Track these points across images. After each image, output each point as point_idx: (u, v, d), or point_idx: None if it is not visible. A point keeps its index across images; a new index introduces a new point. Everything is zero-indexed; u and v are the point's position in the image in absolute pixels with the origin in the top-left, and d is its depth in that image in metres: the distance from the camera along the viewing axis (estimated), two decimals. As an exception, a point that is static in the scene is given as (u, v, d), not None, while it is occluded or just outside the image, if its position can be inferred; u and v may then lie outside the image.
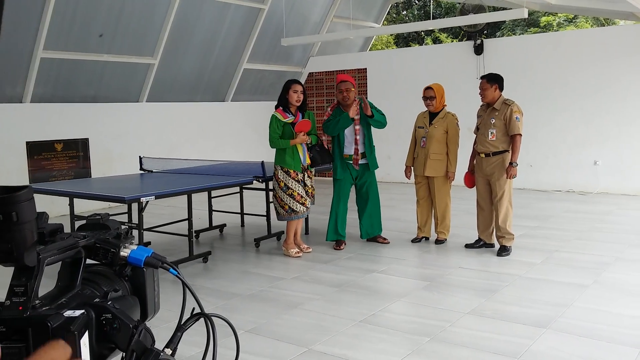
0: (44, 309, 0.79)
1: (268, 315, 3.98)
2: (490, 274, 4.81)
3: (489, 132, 5.30)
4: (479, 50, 9.78)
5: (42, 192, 5.33)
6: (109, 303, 0.86)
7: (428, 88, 5.69)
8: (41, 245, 0.82)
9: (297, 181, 5.39)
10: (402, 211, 7.58)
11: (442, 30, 17.93)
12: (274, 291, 4.52)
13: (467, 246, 5.62)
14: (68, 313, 0.79)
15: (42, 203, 6.07)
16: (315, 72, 11.75)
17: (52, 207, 7.63)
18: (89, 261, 0.93)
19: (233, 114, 10.84)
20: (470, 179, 5.65)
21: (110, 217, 1.02)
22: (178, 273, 1.02)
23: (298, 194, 5.39)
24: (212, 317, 1.09)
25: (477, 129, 5.50)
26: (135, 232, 5.47)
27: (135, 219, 5.43)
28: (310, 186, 5.51)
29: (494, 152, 5.29)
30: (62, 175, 8.20)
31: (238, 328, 3.74)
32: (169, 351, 1.00)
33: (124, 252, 0.95)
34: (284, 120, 5.36)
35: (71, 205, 5.43)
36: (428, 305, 4.09)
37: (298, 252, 5.55)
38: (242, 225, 7.09)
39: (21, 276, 0.79)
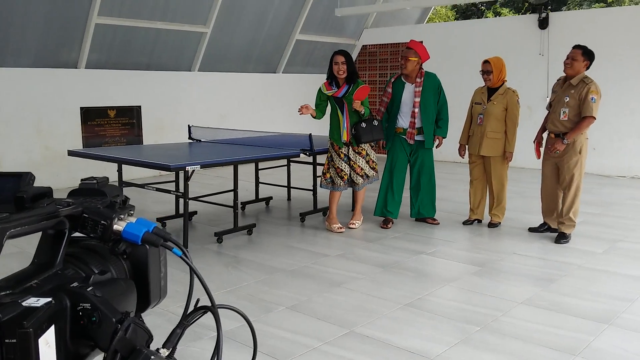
0: (0, 294, 0.62)
1: (309, 292, 3.86)
2: (547, 262, 4.53)
3: (561, 112, 4.90)
4: (543, 24, 9.22)
5: (88, 157, 5.36)
6: (89, 289, 0.68)
7: (485, 62, 5.36)
8: (3, 214, 0.64)
9: (339, 155, 5.31)
10: (452, 191, 7.29)
11: (504, 4, 17.12)
12: (317, 268, 4.40)
13: (531, 230, 5.33)
14: (29, 301, 0.61)
15: (94, 169, 6.13)
16: (369, 45, 11.42)
17: (104, 172, 7.71)
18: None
19: (284, 85, 10.69)
20: (539, 150, 5.26)
21: (110, 182, 0.84)
22: (183, 254, 0.80)
23: (338, 167, 5.32)
24: (225, 310, 0.90)
25: (550, 105, 5.10)
26: (180, 201, 5.45)
27: (181, 188, 5.40)
28: (358, 165, 5.33)
29: (564, 133, 4.89)
30: (115, 142, 8.29)
31: (278, 304, 3.64)
32: (165, 352, 0.82)
33: (118, 226, 0.77)
34: (326, 92, 5.26)
35: (119, 171, 5.44)
36: (478, 291, 3.87)
37: (341, 228, 5.40)
38: (289, 199, 6.98)
39: None
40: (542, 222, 5.34)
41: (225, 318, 0.96)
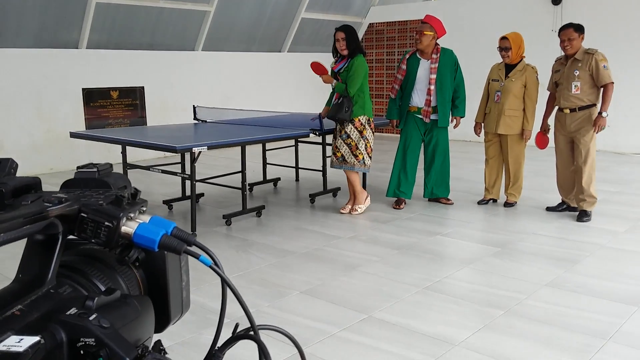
0: None
1: (324, 276, 3.71)
2: (569, 242, 4.36)
3: (573, 86, 4.76)
4: (557, 0, 8.95)
5: (91, 139, 5.20)
6: (92, 317, 0.49)
7: (503, 38, 5.14)
8: None
9: (339, 132, 5.09)
10: (465, 170, 7.11)
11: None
12: (330, 250, 4.24)
13: (549, 209, 5.17)
14: (8, 343, 0.43)
15: (98, 151, 5.98)
16: (376, 23, 11.15)
17: (108, 155, 7.57)
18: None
19: (290, 65, 10.46)
20: (542, 140, 5.20)
21: (114, 171, 0.64)
22: (214, 263, 0.61)
23: (334, 144, 5.15)
24: (268, 331, 0.71)
25: (556, 84, 4.96)
26: (187, 184, 5.30)
27: (187, 170, 5.24)
28: (335, 142, 5.13)
29: (580, 107, 4.76)
30: (118, 124, 8.12)
31: (292, 288, 3.49)
32: None
33: (127, 227, 0.57)
34: (332, 67, 5.14)
35: (124, 153, 5.27)
36: (499, 273, 3.72)
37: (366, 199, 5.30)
38: (297, 179, 6.82)
39: None
40: (560, 201, 5.18)
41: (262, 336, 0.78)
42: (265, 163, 6.61)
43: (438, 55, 5.14)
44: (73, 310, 0.48)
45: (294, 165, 6.74)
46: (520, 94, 5.12)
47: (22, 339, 0.42)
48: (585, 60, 4.74)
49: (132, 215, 0.57)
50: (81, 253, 0.60)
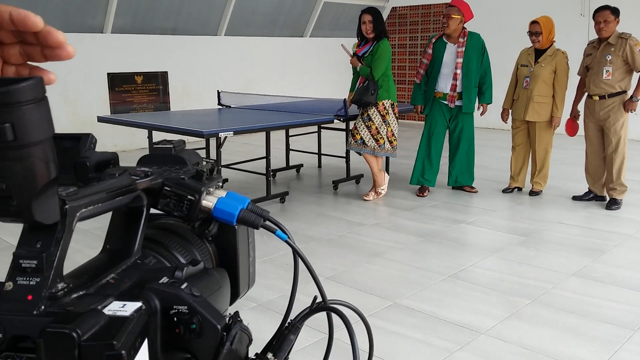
0: (72, 297, 0.45)
1: (348, 262, 3.73)
2: (596, 231, 4.31)
3: (604, 71, 4.67)
4: (585, -18, 8.74)
5: (118, 123, 5.26)
6: (183, 286, 0.50)
7: (534, 22, 5.05)
8: (70, 187, 0.47)
9: (361, 115, 5.08)
10: (489, 158, 7.05)
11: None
12: (354, 237, 4.26)
13: (575, 198, 5.11)
14: (113, 308, 0.44)
15: (123, 135, 6.03)
16: (399, 7, 11.03)
17: (132, 139, 7.66)
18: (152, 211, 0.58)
19: (312, 50, 10.42)
20: (572, 127, 5.11)
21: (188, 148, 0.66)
22: (289, 237, 0.64)
23: (355, 126, 5.13)
24: (340, 308, 0.73)
25: (587, 69, 4.87)
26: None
27: (212, 155, 5.27)
28: (356, 123, 5.12)
29: (610, 94, 4.67)
30: (142, 109, 8.19)
31: (317, 274, 3.51)
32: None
33: (207, 201, 0.59)
34: (354, 49, 5.11)
35: (150, 137, 5.32)
36: (525, 262, 3.70)
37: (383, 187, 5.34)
38: (319, 166, 6.82)
39: (34, 240, 0.45)
40: (586, 190, 5.11)
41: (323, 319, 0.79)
42: (288, 149, 6.62)
43: (465, 39, 5.08)
44: (165, 279, 0.50)
45: (316, 151, 6.75)
46: (549, 80, 5.04)
47: (125, 304, 0.44)
48: (618, 44, 4.64)
49: (211, 189, 0.59)
50: (158, 226, 0.62)
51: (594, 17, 4.73)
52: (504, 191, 5.44)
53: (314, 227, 4.50)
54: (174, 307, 0.48)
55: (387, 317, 2.95)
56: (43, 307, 0.43)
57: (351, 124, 5.72)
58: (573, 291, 3.24)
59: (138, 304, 0.45)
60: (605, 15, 4.65)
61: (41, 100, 0.40)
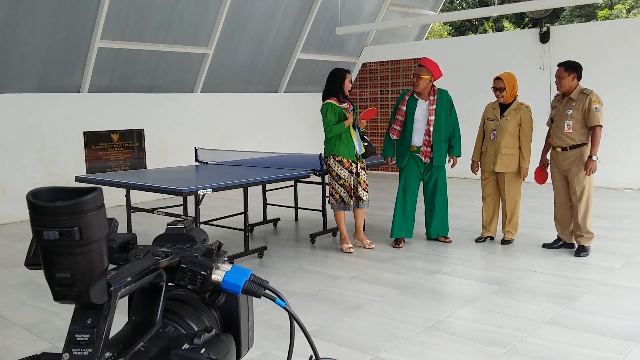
0: None
1: (328, 317, 3.78)
2: (566, 278, 4.46)
3: (565, 124, 4.93)
4: (544, 38, 9.26)
5: (99, 183, 5.29)
6: (202, 351, 0.60)
7: (497, 78, 5.33)
8: (111, 271, 0.57)
9: (350, 172, 5.26)
10: (461, 208, 7.23)
11: (502, 17, 17.25)
12: (333, 291, 4.32)
13: (545, 246, 5.27)
14: None
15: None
16: (369, 62, 11.45)
17: (107, 197, 7.65)
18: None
19: (286, 105, 10.68)
20: (541, 175, 5.32)
21: (195, 226, 0.79)
22: (287, 305, 0.75)
23: (349, 184, 5.27)
24: None
25: (552, 120, 5.13)
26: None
27: (190, 212, 5.32)
28: (363, 180, 5.32)
29: (571, 146, 4.92)
30: (118, 166, 8.23)
31: (297, 330, 3.54)
32: None
33: (217, 275, 0.70)
34: (340, 106, 5.23)
35: (127, 196, 5.37)
36: (500, 312, 3.80)
37: (350, 248, 5.35)
38: (296, 219, 6.91)
39: (85, 317, 0.54)
40: (556, 237, 5.29)
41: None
42: (265, 203, 6.71)
43: (435, 96, 5.32)
44: (186, 345, 0.59)
45: (293, 205, 6.85)
46: (515, 132, 5.28)
47: None
48: (579, 100, 4.88)
49: (219, 265, 0.70)
50: (170, 297, 0.72)
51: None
52: (477, 240, 5.59)
53: (293, 282, 4.54)
54: None
55: (368, 371, 2.99)
56: None
57: (327, 178, 5.87)
58: (547, 339, 3.33)
59: None
60: (559, 71, 4.95)
61: (100, 207, 0.51)
